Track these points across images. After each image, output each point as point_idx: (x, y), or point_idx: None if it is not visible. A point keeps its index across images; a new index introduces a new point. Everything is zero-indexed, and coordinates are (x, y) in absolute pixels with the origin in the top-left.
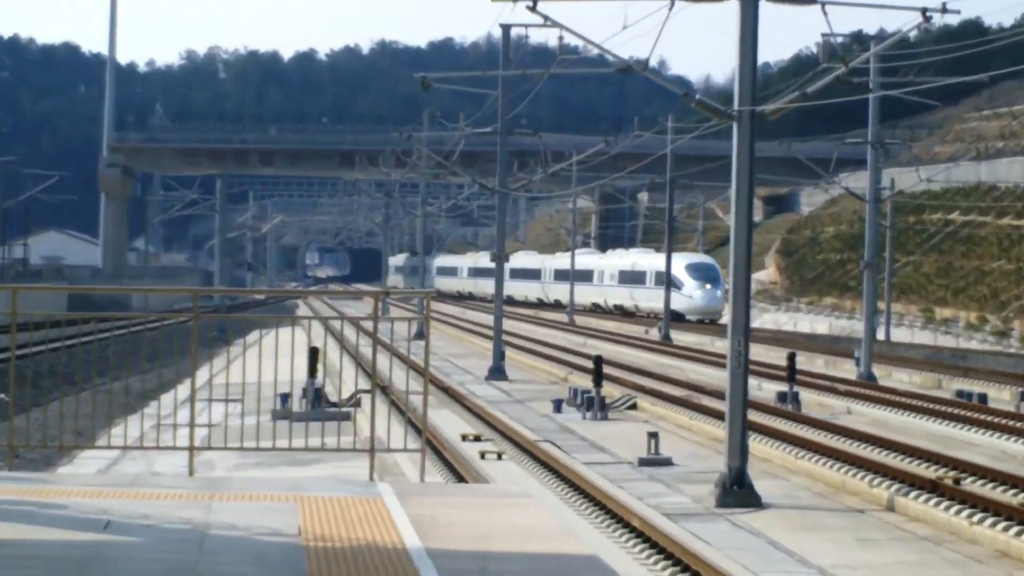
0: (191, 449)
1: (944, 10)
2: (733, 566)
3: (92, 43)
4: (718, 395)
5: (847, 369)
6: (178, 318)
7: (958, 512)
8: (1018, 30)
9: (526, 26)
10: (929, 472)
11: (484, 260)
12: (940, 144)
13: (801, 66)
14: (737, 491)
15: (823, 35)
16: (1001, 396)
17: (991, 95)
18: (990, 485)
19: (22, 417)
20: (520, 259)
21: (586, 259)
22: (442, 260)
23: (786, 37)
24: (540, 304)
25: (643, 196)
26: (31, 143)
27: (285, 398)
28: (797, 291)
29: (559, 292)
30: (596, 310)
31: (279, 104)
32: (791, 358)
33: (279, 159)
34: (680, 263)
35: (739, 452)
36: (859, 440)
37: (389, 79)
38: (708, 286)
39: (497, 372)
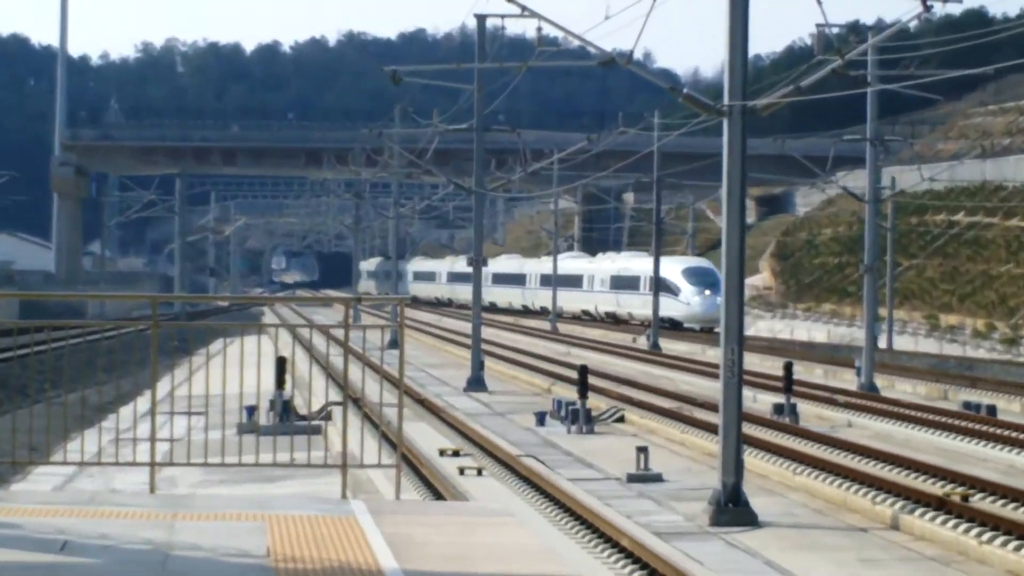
0: (152, 465)
1: None
2: None
3: (42, 35)
4: (711, 407)
5: (847, 379)
6: (136, 326)
7: (966, 530)
8: None
9: (502, 16)
10: (935, 488)
11: (464, 264)
12: (943, 141)
13: (795, 58)
14: (732, 509)
15: (818, 25)
16: (1011, 408)
17: (997, 89)
18: (1000, 502)
19: None
20: (503, 263)
21: (574, 263)
22: (419, 264)
23: (779, 27)
24: (525, 311)
25: (629, 197)
26: None
27: (251, 411)
28: (793, 297)
29: (546, 298)
30: (586, 318)
31: (241, 99)
32: (788, 368)
33: (242, 158)
34: (676, 267)
35: (734, 467)
36: (861, 454)
37: (358, 73)
38: (707, 292)
39: (476, 383)
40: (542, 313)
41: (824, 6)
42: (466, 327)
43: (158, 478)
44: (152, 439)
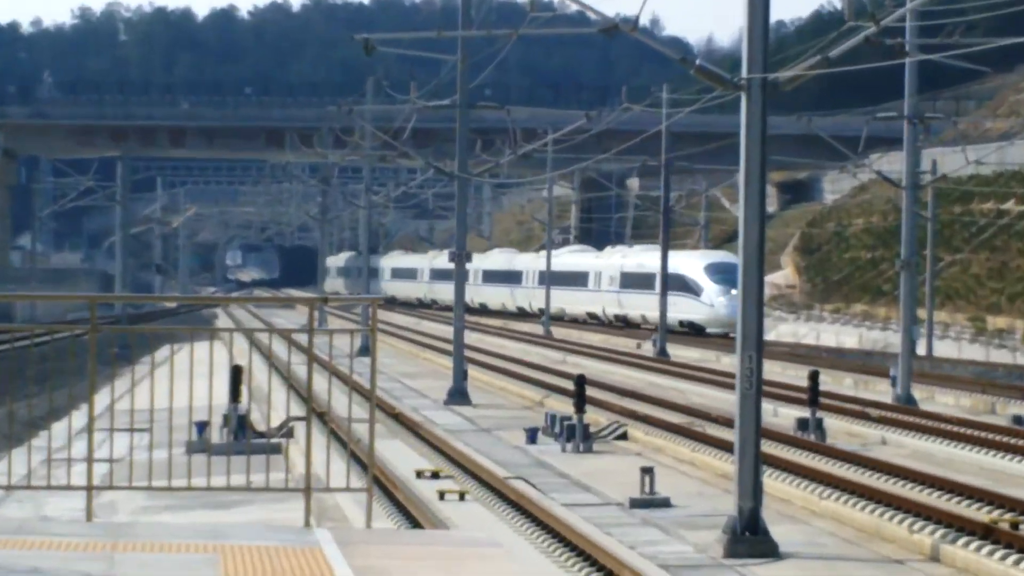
0: (89, 489)
1: None
2: None
3: None
4: (725, 422)
5: (881, 391)
6: (72, 331)
7: (1016, 562)
8: None
9: None
10: (981, 514)
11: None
12: (991, 119)
13: (823, 25)
14: (749, 538)
15: None
16: None
17: None
18: None
19: None
20: (496, 259)
21: (578, 259)
22: (397, 260)
23: None
24: (521, 314)
25: (633, 182)
26: None
27: (202, 427)
28: (820, 297)
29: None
30: (592, 321)
31: (192, 73)
32: (813, 377)
33: (192, 138)
34: (697, 263)
35: (751, 491)
36: (896, 476)
37: (325, 42)
38: (734, 292)
39: (458, 395)
40: (540, 316)
41: None
42: (448, 331)
43: (96, 504)
44: (89, 459)
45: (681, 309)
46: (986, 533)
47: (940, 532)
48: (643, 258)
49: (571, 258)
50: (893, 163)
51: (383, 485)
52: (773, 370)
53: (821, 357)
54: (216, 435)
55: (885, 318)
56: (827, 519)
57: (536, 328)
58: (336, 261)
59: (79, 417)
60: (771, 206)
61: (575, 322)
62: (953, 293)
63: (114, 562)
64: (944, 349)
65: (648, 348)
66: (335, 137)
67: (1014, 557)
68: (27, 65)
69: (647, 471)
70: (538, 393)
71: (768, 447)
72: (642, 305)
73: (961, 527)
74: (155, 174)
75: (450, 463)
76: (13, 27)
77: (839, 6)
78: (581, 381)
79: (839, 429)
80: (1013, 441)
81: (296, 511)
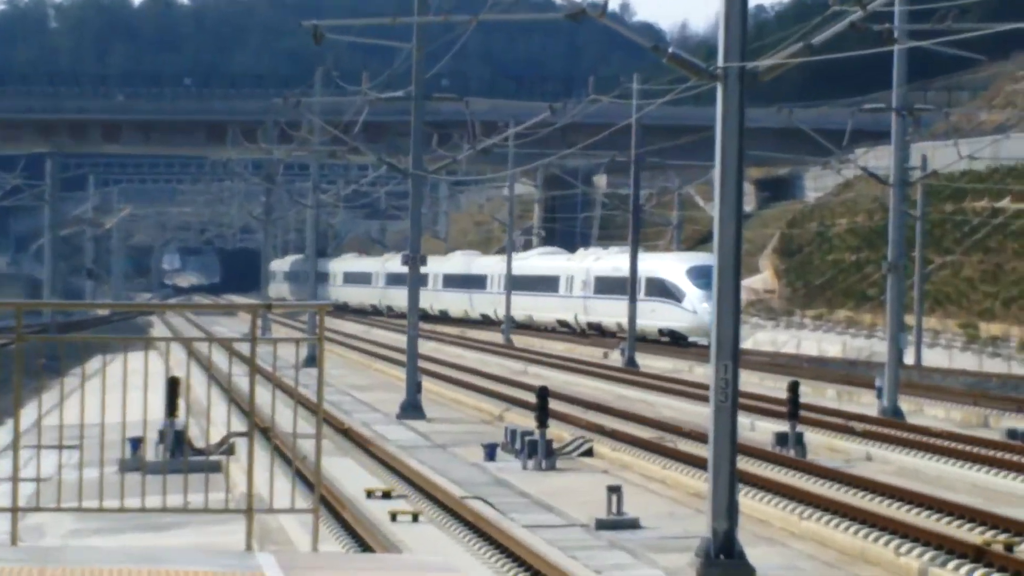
0: (15, 511)
1: None
2: None
3: None
4: (698, 437)
5: (866, 403)
6: None
7: None
8: None
9: None
10: (973, 536)
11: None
12: (986, 110)
13: (805, 10)
14: (724, 561)
15: None
16: None
17: None
18: None
19: None
20: (458, 262)
21: (548, 262)
22: (350, 264)
23: None
24: (485, 321)
25: (600, 180)
26: None
27: (136, 444)
28: (800, 302)
29: (513, 305)
30: (563, 330)
31: (127, 63)
32: (793, 389)
33: (127, 133)
34: (679, 266)
35: (726, 511)
36: (882, 494)
37: (270, 30)
38: None
39: (412, 408)
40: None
41: None
42: (401, 340)
43: (22, 526)
44: (15, 479)
45: (661, 316)
46: (978, 556)
47: (929, 554)
48: (618, 261)
49: (540, 261)
50: (880, 158)
51: (331, 505)
52: (750, 381)
53: (802, 367)
54: (151, 452)
55: (871, 325)
56: (807, 541)
57: (496, 336)
58: (281, 265)
59: (3, 433)
60: (748, 205)
61: (539, 330)
62: (944, 298)
63: None
64: (934, 358)
65: (616, 358)
66: (281, 131)
67: None
68: None
69: (614, 490)
70: (497, 406)
71: (744, 464)
72: (617, 312)
73: (951, 549)
74: (87, 171)
75: (403, 482)
76: None
77: None
78: (544, 393)
79: (821, 444)
80: (1007, 457)
81: (237, 534)
